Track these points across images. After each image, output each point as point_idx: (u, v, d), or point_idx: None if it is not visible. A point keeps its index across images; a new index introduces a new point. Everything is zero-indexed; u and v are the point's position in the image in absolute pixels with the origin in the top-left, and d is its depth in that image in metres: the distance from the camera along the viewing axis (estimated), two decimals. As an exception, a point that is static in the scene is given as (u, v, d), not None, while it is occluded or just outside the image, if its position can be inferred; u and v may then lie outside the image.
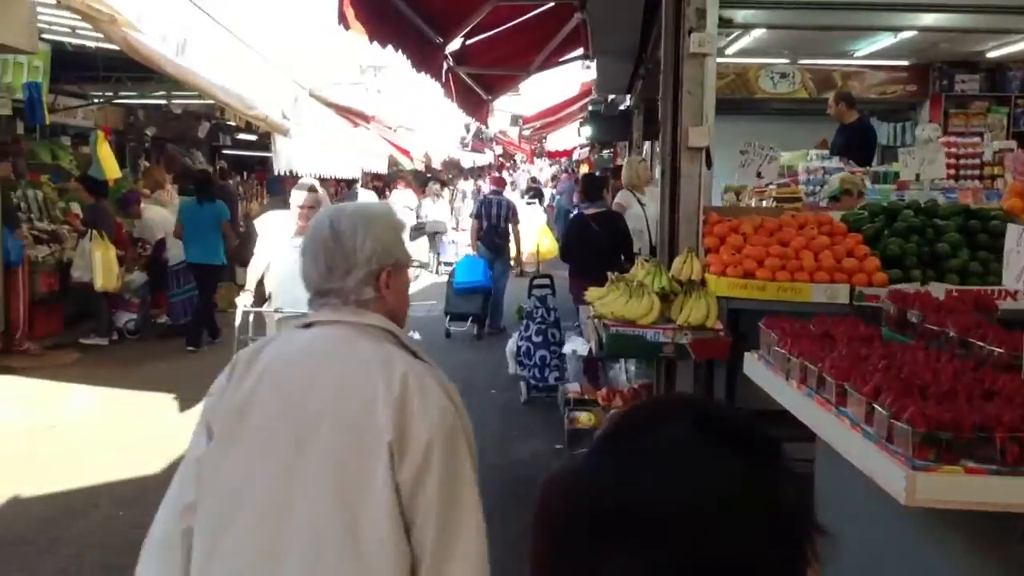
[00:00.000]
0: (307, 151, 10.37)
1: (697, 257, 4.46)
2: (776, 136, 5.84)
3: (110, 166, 10.26)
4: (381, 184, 19.63)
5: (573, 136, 25.75)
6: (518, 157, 44.51)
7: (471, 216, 14.58)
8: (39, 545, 4.93)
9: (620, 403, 5.68)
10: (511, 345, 8.94)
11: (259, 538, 1.84)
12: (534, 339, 7.89)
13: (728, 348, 4.09)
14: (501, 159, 38.27)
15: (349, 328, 1.99)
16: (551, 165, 47.04)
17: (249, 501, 1.87)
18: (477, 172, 30.58)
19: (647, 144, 11.86)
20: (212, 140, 17.91)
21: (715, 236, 4.54)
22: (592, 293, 4.72)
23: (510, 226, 11.55)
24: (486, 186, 16.19)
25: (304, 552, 1.81)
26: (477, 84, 10.68)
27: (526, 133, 26.99)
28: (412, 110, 19.81)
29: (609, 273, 4.67)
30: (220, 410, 1.96)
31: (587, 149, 25.85)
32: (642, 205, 7.96)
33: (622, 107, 13.26)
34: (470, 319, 10.76)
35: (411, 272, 3.39)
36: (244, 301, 5.84)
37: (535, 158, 47.33)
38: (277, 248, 5.56)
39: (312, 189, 5.70)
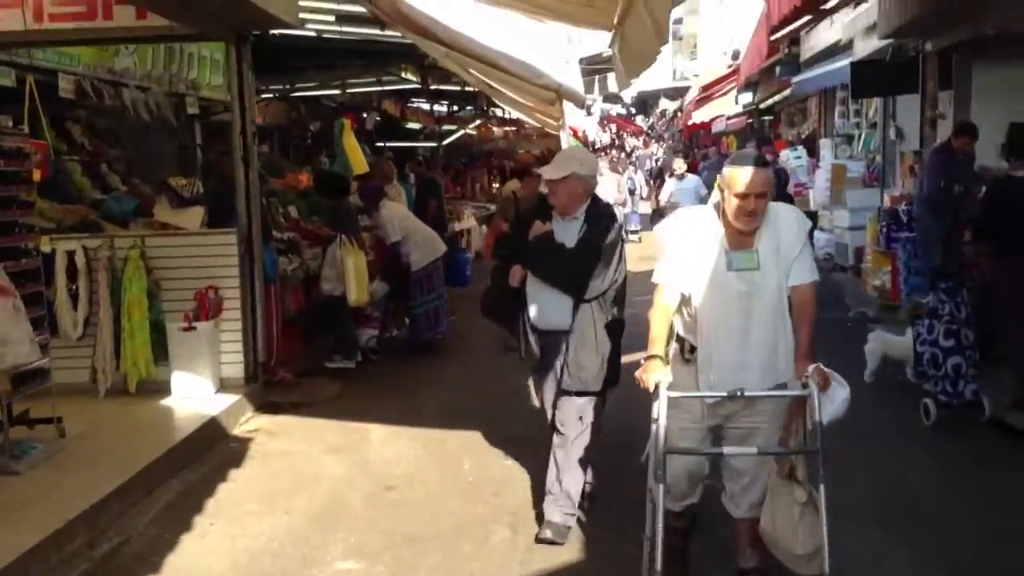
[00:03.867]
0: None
1: None
2: None
3: (358, 160, 8.95)
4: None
5: (722, 106, 24.03)
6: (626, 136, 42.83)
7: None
8: None
9: None
10: (873, 345, 7.42)
11: None
12: (942, 343, 6.32)
13: None
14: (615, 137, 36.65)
15: None
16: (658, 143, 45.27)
17: None
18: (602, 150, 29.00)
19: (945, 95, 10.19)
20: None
21: None
22: None
23: None
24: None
25: None
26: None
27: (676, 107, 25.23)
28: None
29: None
30: None
31: (735, 120, 24.08)
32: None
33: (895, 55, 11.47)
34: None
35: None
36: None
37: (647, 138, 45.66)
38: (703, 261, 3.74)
39: (762, 163, 3.74)
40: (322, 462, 6.12)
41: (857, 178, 13.71)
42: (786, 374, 3.70)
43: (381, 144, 16.70)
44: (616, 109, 38.72)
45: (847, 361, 8.34)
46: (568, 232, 4.66)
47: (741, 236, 3.68)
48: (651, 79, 31.22)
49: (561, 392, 4.72)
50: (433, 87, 14.61)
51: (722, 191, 3.67)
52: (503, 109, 18.14)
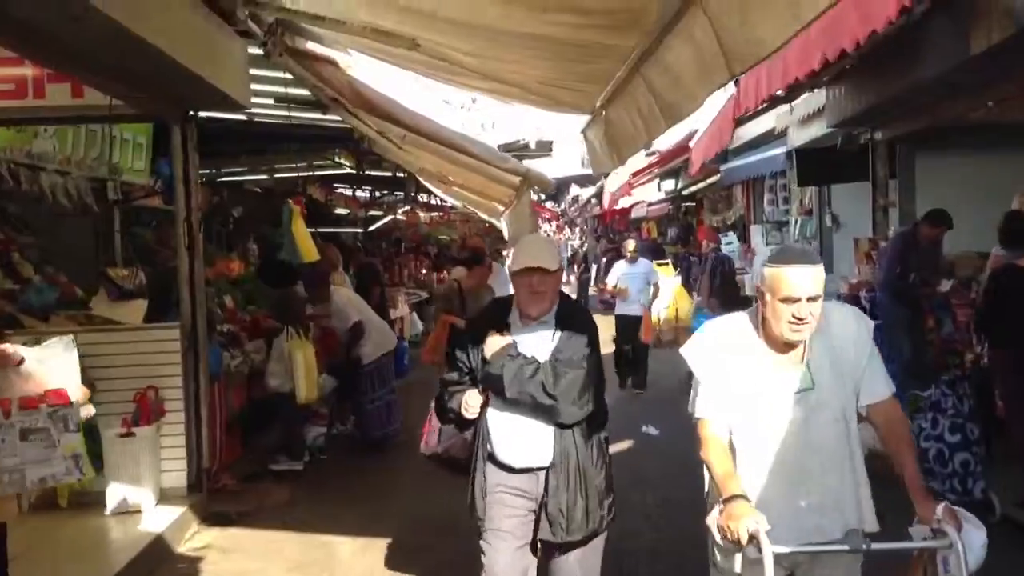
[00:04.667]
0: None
1: None
2: None
3: (307, 247, 8.37)
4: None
5: (643, 192, 24.19)
6: (541, 222, 42.95)
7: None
8: None
9: None
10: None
11: None
12: (948, 438, 6.08)
13: None
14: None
15: None
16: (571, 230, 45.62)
17: None
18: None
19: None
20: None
21: None
22: None
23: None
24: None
25: None
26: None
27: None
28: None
29: None
30: None
31: (656, 206, 24.27)
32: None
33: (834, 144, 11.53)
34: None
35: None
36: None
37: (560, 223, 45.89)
38: (743, 385, 3.11)
39: (814, 259, 3.08)
40: (288, 586, 5.45)
41: (795, 263, 13.73)
42: (864, 518, 3.07)
43: (312, 230, 16.10)
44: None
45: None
46: (538, 342, 3.70)
47: (787, 348, 3.03)
48: (562, 166, 31.50)
49: (545, 548, 3.78)
50: (357, 172, 14.25)
51: (762, 295, 3.03)
52: (432, 194, 17.90)
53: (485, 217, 18.16)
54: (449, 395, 3.85)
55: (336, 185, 17.12)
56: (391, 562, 5.76)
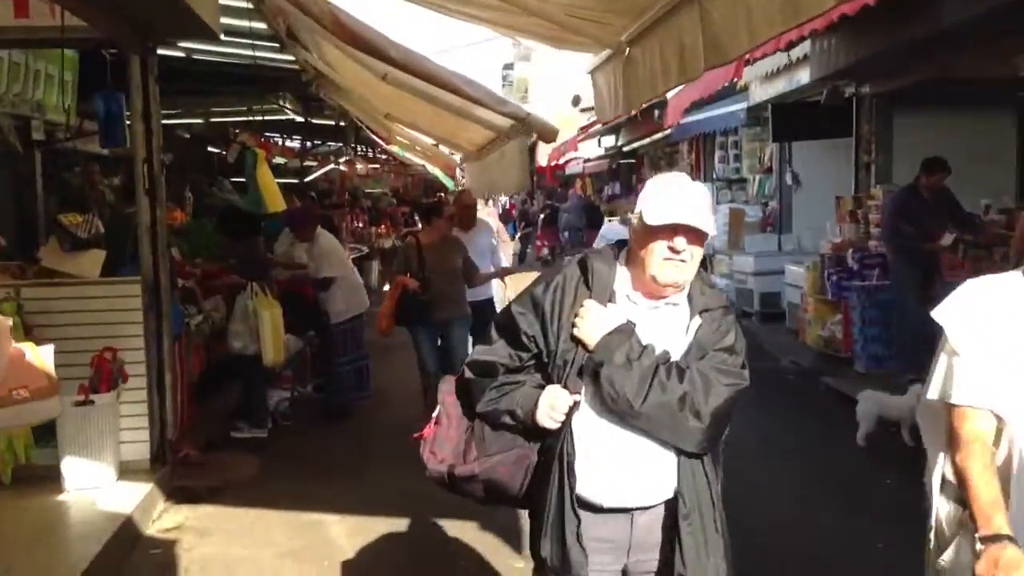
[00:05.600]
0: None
1: None
2: None
3: (273, 195, 7.61)
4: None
5: (583, 149, 23.72)
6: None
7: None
8: None
9: None
10: (866, 406, 6.88)
11: None
12: None
13: None
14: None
15: None
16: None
17: None
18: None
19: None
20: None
21: None
22: None
23: None
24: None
25: None
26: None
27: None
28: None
29: None
30: None
31: (594, 162, 23.85)
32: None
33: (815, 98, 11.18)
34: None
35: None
36: None
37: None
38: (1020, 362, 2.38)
39: None
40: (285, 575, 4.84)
41: (755, 223, 13.49)
42: None
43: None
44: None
45: (799, 414, 7.91)
46: (663, 330, 2.56)
47: None
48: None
49: None
50: (303, 120, 13.41)
51: None
52: (371, 146, 17.07)
53: (432, 168, 17.50)
54: (499, 391, 2.63)
55: (268, 134, 16.22)
56: (390, 545, 5.21)
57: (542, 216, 22.31)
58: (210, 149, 15.48)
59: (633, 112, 6.33)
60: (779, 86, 11.60)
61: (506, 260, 9.30)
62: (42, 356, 3.86)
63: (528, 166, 6.99)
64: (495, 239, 8.31)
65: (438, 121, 8.93)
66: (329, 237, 7.98)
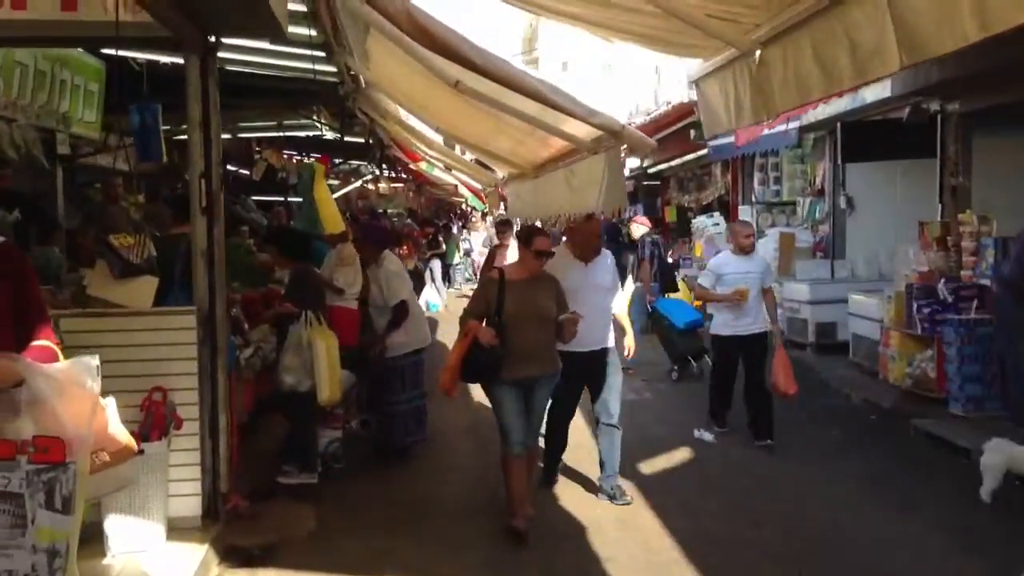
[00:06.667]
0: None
1: None
2: None
3: (331, 215, 6.89)
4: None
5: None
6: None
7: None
8: None
9: None
10: (994, 459, 6.16)
11: None
12: None
13: None
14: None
15: None
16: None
17: None
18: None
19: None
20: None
21: None
22: None
23: None
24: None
25: None
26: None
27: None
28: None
29: None
30: None
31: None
32: None
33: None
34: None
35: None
36: None
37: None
38: None
39: None
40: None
41: (806, 248, 12.83)
42: None
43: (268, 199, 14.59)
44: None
45: (898, 465, 7.11)
46: None
47: None
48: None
49: None
50: (329, 137, 12.80)
51: None
52: (394, 166, 16.43)
53: (463, 189, 16.82)
54: None
55: (287, 151, 15.61)
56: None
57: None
58: (228, 167, 14.81)
59: (763, 122, 5.66)
60: (841, 104, 10.98)
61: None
62: (111, 410, 3.19)
63: (623, 182, 6.27)
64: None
65: (497, 136, 8.28)
66: (395, 259, 7.29)
